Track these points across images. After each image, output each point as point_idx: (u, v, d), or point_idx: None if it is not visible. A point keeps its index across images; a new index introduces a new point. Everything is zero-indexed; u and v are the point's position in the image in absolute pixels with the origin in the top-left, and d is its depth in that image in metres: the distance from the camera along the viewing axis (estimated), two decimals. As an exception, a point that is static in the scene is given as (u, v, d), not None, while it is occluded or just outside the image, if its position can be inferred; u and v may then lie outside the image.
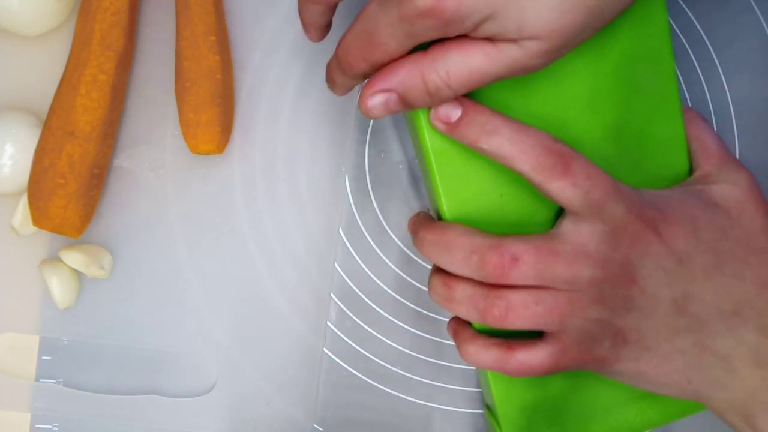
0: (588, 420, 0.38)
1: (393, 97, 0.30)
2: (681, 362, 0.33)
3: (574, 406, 0.37)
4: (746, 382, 0.33)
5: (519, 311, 0.31)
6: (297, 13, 0.34)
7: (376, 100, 0.30)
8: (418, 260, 0.42)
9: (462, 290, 0.32)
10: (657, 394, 0.35)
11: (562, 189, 0.30)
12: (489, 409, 0.39)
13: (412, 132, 0.35)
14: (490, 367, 0.32)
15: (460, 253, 0.31)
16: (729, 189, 0.34)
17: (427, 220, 0.34)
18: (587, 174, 0.30)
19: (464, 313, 0.32)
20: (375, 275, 0.42)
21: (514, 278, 0.30)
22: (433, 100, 0.30)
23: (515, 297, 0.31)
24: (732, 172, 0.35)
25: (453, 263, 0.31)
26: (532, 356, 0.31)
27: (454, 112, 0.31)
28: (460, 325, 0.34)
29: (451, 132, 0.31)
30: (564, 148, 0.31)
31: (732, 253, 0.33)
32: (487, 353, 0.32)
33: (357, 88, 0.39)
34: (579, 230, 0.31)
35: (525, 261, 0.30)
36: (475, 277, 0.31)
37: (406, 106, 0.30)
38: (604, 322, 0.32)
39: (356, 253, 0.42)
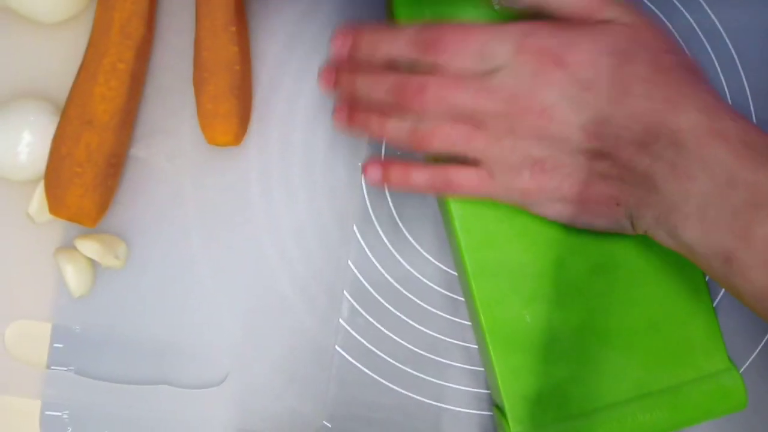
0: (594, 417, 0.38)
1: None
2: (603, 185, 0.34)
3: (580, 403, 0.38)
4: (667, 197, 0.33)
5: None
6: (317, 7, 0.34)
7: None
8: (431, 259, 0.42)
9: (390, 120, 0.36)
10: (595, 228, 0.36)
11: (462, 61, 0.34)
12: (497, 407, 0.39)
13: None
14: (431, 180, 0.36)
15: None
16: (627, 19, 0.35)
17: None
18: (461, 38, 0.34)
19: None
20: (388, 273, 0.42)
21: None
22: None
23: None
24: (625, 12, 0.35)
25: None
26: (461, 173, 0.35)
27: None
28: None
29: None
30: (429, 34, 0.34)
31: (638, 75, 0.33)
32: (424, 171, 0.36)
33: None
34: (484, 78, 0.34)
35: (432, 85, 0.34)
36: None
37: None
38: (519, 152, 0.34)
39: (370, 250, 0.42)
